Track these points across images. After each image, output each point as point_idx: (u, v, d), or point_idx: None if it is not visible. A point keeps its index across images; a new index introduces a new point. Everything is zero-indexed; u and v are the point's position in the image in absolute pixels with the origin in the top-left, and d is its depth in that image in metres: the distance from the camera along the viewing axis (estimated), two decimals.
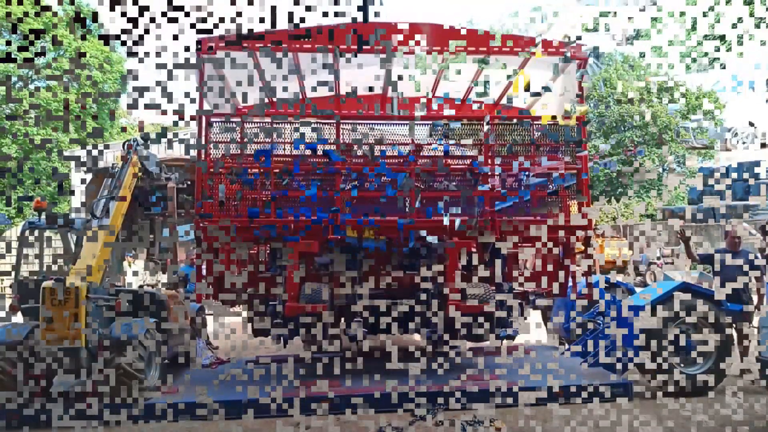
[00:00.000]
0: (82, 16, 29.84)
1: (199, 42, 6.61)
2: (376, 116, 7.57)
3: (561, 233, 7.17)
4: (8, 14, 25.35)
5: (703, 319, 6.67)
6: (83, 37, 29.64)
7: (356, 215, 6.87)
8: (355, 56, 6.85)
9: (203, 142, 6.72)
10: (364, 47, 6.70)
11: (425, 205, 7.07)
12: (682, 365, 6.63)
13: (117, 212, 6.70)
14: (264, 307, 7.06)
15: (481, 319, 6.59)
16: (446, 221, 6.63)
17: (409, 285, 7.22)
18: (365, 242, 6.81)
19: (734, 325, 7.03)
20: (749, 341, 7.26)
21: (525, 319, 7.74)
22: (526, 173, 7.32)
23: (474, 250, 6.84)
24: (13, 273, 7.14)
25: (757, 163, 26.20)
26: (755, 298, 7.41)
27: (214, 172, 6.82)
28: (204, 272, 6.93)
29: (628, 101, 39.53)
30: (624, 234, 26.39)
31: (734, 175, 26.94)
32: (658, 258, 21.24)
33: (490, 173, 7.22)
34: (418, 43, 6.82)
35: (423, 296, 6.92)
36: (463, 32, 6.91)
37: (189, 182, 7.89)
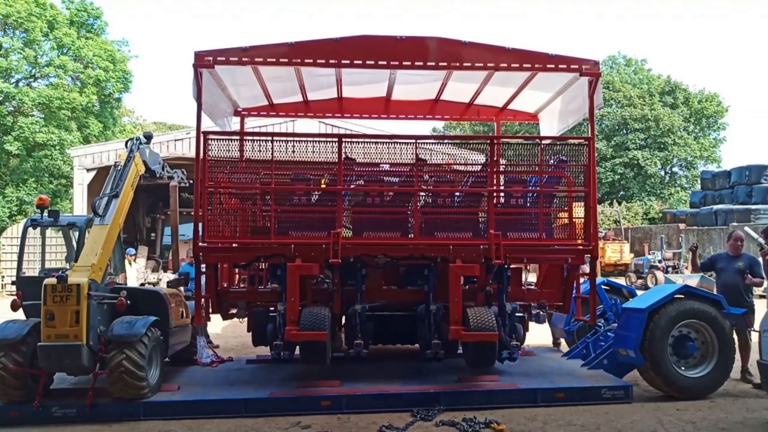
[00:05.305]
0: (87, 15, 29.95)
1: (196, 54, 6.43)
2: (381, 135, 7.37)
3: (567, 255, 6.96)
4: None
5: (704, 323, 6.65)
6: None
7: (358, 236, 6.70)
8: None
9: (201, 158, 6.46)
10: (368, 62, 6.53)
11: (429, 225, 6.85)
12: (683, 368, 6.63)
13: (119, 210, 6.70)
14: (264, 320, 7.01)
15: (483, 347, 6.37)
16: None
17: (411, 302, 7.14)
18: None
19: (735, 328, 7.02)
20: (750, 345, 7.26)
21: (527, 331, 7.65)
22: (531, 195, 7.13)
23: (477, 274, 6.62)
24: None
25: (761, 167, 26.11)
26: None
27: (213, 191, 6.59)
28: (203, 290, 6.81)
29: (630, 104, 39.43)
30: (626, 236, 26.34)
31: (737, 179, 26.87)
32: (660, 261, 21.24)
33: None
34: (424, 57, 6.57)
35: (424, 317, 6.82)
36: (472, 46, 6.63)
37: (191, 181, 7.89)
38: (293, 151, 6.79)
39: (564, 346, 9.00)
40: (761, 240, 7.70)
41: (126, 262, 8.82)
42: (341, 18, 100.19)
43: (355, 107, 9.40)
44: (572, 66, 6.76)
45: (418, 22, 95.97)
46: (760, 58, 75.23)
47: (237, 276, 8.23)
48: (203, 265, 6.72)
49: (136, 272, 14.54)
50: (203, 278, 6.82)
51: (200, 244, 6.53)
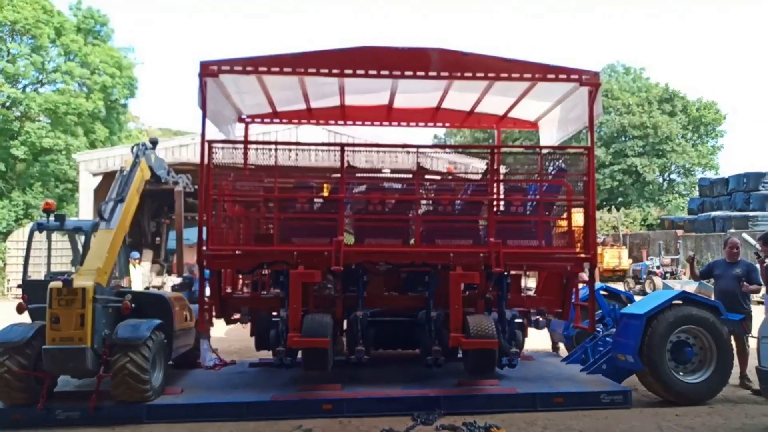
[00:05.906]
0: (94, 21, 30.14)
1: (201, 64, 6.47)
2: (383, 144, 7.41)
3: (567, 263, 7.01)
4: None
5: (702, 328, 6.71)
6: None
7: (359, 243, 6.75)
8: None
9: (205, 166, 6.50)
10: (371, 71, 6.59)
11: (430, 232, 6.89)
12: (681, 373, 6.67)
13: (125, 215, 6.78)
14: (267, 325, 7.05)
15: (483, 355, 6.42)
16: None
17: (412, 308, 7.19)
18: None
19: (733, 334, 7.07)
20: (748, 351, 7.31)
21: (526, 337, 7.70)
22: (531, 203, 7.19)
23: (477, 281, 6.65)
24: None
25: (759, 174, 26.18)
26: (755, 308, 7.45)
27: (217, 199, 6.64)
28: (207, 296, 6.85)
29: (629, 112, 39.57)
30: (624, 242, 26.39)
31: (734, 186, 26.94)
32: (658, 267, 21.28)
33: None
34: (426, 68, 6.62)
35: (424, 323, 6.87)
36: (473, 57, 6.67)
37: (196, 186, 7.96)
38: (296, 159, 6.85)
39: (563, 351, 9.03)
40: (758, 247, 7.76)
41: (131, 265, 8.89)
42: (342, 20, 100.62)
43: (357, 115, 9.47)
44: (572, 76, 6.81)
45: (417, 26, 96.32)
46: (758, 66, 75.49)
47: (240, 281, 8.30)
48: (207, 271, 6.78)
49: (141, 276, 14.60)
50: (207, 284, 6.89)
51: (204, 250, 6.58)
